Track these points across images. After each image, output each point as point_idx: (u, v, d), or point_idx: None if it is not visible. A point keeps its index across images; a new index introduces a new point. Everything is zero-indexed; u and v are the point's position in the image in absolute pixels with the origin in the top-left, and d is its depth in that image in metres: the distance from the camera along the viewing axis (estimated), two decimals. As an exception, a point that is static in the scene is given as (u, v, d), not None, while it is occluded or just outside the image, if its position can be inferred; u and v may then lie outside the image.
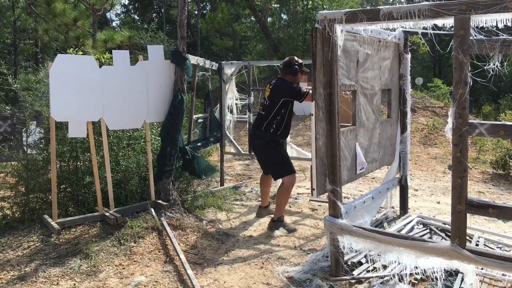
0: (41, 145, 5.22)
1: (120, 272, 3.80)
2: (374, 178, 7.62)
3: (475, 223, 5.21)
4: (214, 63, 6.44)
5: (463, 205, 3.04)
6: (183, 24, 5.04)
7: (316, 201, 6.06)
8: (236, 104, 6.88)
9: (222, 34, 25.39)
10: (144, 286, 3.58)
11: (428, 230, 4.69)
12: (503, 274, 3.60)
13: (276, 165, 5.02)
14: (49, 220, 4.44)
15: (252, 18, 21.92)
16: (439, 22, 3.16)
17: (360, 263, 3.93)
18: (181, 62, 5.06)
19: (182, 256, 3.96)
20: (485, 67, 2.92)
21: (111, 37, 11.12)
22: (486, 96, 24.38)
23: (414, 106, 12.29)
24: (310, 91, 4.66)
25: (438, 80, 18.53)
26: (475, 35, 2.92)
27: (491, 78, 2.95)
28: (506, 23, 2.89)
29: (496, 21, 2.91)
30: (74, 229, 4.47)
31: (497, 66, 2.90)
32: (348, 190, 6.23)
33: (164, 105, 5.10)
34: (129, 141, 5.46)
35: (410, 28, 4.18)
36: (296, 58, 5.07)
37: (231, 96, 6.74)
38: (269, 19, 21.12)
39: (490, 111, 18.92)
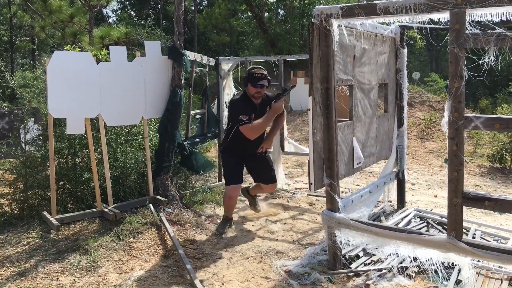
0: (39, 142, 5.23)
1: (119, 267, 3.83)
2: (372, 172, 7.65)
3: (472, 216, 5.24)
4: (211, 58, 6.44)
5: (459, 198, 3.07)
6: (180, 20, 5.04)
7: (314, 195, 6.08)
8: (233, 99, 6.87)
9: (219, 29, 25.37)
10: (144, 281, 3.60)
11: (425, 224, 4.73)
12: (499, 267, 3.63)
13: (223, 173, 4.77)
14: (48, 216, 4.46)
15: (249, 14, 21.86)
16: (435, 16, 3.18)
17: (358, 257, 3.96)
18: (179, 58, 5.07)
19: (181, 251, 3.98)
20: (480, 61, 2.94)
21: (107, 33, 11.09)
22: (483, 90, 24.46)
23: (411, 101, 12.31)
24: (249, 125, 4.28)
25: (435, 75, 18.60)
26: (471, 29, 2.94)
27: (485, 72, 2.96)
28: (501, 17, 2.90)
29: (491, 15, 2.93)
30: (73, 225, 4.48)
31: (492, 60, 2.92)
32: (346, 184, 6.29)
33: (161, 101, 5.11)
34: (127, 137, 5.47)
35: (407, 22, 4.21)
36: (258, 68, 4.44)
37: (229, 92, 6.74)
38: (266, 14, 21.07)
39: (487, 105, 19.00)
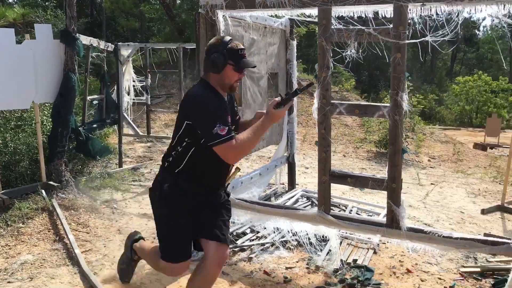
0: None
1: (6, 252, 3.79)
2: (270, 158, 8.02)
3: (354, 196, 5.75)
4: (110, 44, 6.41)
5: (327, 176, 3.43)
6: (72, 3, 4.98)
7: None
8: (133, 85, 6.90)
9: (129, 15, 24.67)
10: (31, 264, 3.61)
11: (310, 202, 5.14)
12: (368, 238, 4.10)
13: (158, 233, 2.78)
14: None
15: (158, -1, 21.49)
16: (307, 11, 3.50)
17: (244, 234, 4.24)
18: (71, 42, 5.02)
19: (71, 236, 4.01)
20: (343, 54, 3.31)
21: (2, 14, 10.54)
22: (385, 82, 26.31)
23: (312, 91, 12.94)
24: (232, 143, 2.41)
25: (340, 67, 19.58)
26: (336, 25, 3.29)
27: (349, 64, 3.34)
28: (361, 14, 3.28)
29: (353, 13, 3.30)
30: (-44, 213, 4.34)
31: (354, 52, 3.30)
32: (244, 168, 6.58)
33: (54, 85, 5.03)
34: (18, 123, 5.33)
35: (297, 16, 4.51)
36: (226, 39, 2.54)
37: (128, 78, 6.75)
38: (178, 1, 20.82)
39: (387, 95, 20.42)
